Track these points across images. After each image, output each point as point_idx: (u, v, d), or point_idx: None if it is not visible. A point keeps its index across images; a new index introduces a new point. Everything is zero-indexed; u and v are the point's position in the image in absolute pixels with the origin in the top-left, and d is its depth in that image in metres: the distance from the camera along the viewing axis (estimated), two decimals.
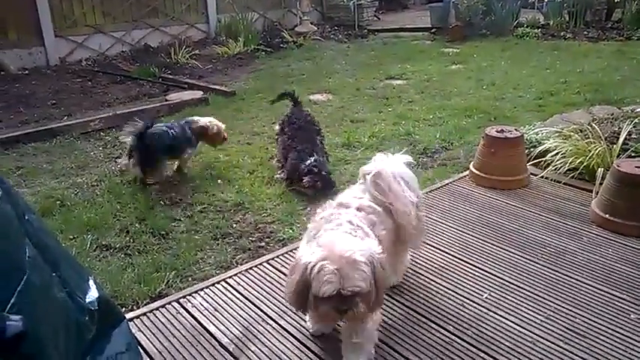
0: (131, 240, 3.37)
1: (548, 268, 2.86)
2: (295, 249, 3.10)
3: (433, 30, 10.53)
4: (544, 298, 2.61)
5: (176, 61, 8.29)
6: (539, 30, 9.94)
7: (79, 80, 7.50)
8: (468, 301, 2.61)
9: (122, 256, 3.20)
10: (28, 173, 4.44)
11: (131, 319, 2.49)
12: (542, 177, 3.85)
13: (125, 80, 7.45)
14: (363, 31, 11.03)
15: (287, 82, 7.19)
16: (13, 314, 1.19)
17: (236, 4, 10.21)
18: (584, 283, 2.72)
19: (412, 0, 14.69)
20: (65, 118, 5.75)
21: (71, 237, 3.39)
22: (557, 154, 3.82)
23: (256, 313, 2.56)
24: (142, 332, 2.45)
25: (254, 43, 9.29)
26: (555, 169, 3.79)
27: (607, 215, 3.23)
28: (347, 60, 8.60)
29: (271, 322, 2.50)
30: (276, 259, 3.01)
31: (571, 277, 2.77)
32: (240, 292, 2.72)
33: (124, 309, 2.66)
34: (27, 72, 7.82)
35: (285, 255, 3.04)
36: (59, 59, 8.33)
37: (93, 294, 1.69)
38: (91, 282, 1.73)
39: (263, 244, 3.34)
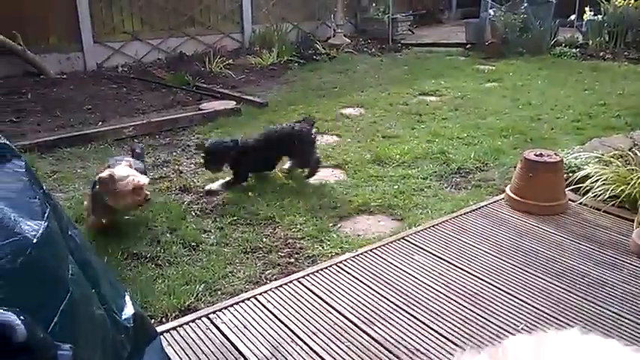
0: (162, 250, 3.37)
1: (586, 299, 2.77)
2: (327, 267, 3.08)
3: (468, 46, 10.41)
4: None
5: (210, 70, 8.36)
6: (578, 50, 9.73)
7: (115, 86, 7.61)
8: (502, 331, 2.54)
9: (152, 266, 3.21)
10: (63, 178, 4.50)
11: (161, 333, 2.48)
12: (580, 203, 3.75)
13: (159, 87, 7.54)
14: (396, 45, 10.96)
15: (319, 95, 7.18)
16: (55, 333, 1.18)
17: (271, 15, 10.28)
18: (624, 317, 2.63)
19: (447, 15, 14.59)
20: (100, 123, 5.83)
21: (102, 245, 3.41)
22: (597, 180, 3.72)
23: (285, 333, 2.53)
24: (172, 347, 2.44)
25: (287, 54, 9.32)
26: (595, 196, 3.68)
27: None
28: (380, 74, 8.55)
29: (300, 342, 2.47)
30: (307, 277, 2.98)
31: (610, 310, 2.68)
32: (270, 310, 2.69)
33: (153, 321, 2.65)
34: (65, 76, 7.97)
35: (316, 274, 3.01)
36: (96, 65, 8.49)
37: (129, 310, 1.68)
38: (127, 298, 1.73)
39: (292, 260, 3.31)
